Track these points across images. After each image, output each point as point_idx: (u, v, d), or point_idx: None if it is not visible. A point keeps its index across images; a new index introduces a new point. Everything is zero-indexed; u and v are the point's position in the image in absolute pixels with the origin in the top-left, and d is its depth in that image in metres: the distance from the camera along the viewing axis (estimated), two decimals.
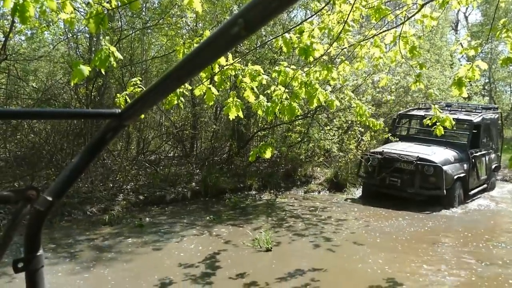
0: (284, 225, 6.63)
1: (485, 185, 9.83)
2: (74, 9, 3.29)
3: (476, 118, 9.21)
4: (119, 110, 0.71)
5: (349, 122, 9.85)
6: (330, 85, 7.52)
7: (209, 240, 5.72)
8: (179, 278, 4.42)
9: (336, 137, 9.54)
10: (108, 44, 2.45)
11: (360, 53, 4.60)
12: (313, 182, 9.72)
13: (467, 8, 29.40)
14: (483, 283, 4.56)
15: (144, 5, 9.78)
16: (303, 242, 5.83)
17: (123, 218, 6.72)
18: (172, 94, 3.41)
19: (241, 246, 5.47)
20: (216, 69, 3.30)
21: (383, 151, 8.71)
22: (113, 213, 6.82)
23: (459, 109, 10.01)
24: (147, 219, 6.78)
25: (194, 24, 9.99)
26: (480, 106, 11.25)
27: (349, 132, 10.06)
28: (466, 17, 30.67)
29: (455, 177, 8.21)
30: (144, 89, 3.54)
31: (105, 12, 2.34)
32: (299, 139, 9.82)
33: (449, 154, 8.55)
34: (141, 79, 3.63)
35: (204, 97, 3.52)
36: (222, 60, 3.23)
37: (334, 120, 9.64)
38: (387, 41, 4.48)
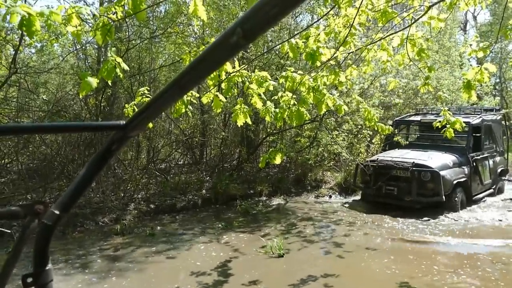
0: (295, 231, 6.59)
1: (491, 190, 9.42)
2: (83, 20, 3.34)
3: (474, 120, 8.85)
4: (124, 122, 0.71)
5: (358, 126, 9.79)
6: (337, 90, 7.53)
7: (220, 247, 5.71)
8: (193, 286, 4.41)
9: (346, 141, 9.50)
10: (114, 55, 2.47)
11: (367, 56, 4.58)
12: (323, 187, 9.67)
13: (475, 8, 29.17)
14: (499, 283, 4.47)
15: (151, 14, 9.90)
16: (314, 247, 5.79)
17: (134, 228, 6.75)
18: (179, 103, 3.43)
19: (253, 252, 5.44)
20: (223, 76, 3.31)
21: (377, 159, 8.46)
22: (125, 223, 6.86)
23: (458, 112, 9.62)
24: (159, 227, 6.80)
25: (201, 32, 10.07)
26: (481, 107, 10.88)
27: (359, 136, 10.01)
28: (474, 17, 30.41)
29: (455, 182, 7.86)
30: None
31: (112, 23, 2.37)
32: (308, 143, 9.79)
33: (447, 158, 8.22)
34: (149, 88, 3.65)
35: (212, 104, 3.54)
36: (228, 67, 3.24)
37: (343, 125, 9.60)
38: (394, 44, 4.45)
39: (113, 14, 2.44)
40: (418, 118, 9.48)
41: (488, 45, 4.42)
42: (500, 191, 10.00)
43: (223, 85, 3.42)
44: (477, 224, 7.15)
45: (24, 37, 7.67)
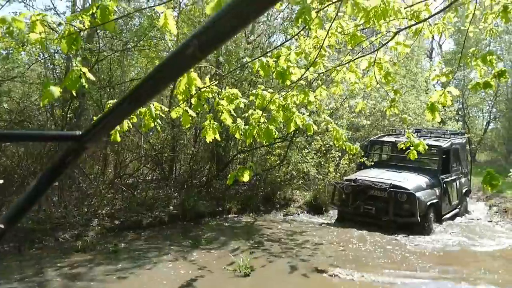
0: (262, 249, 6.54)
1: (457, 210, 9.87)
2: (52, 29, 3.25)
3: (445, 144, 9.27)
4: (80, 132, 0.68)
5: (327, 145, 9.93)
6: (307, 109, 7.64)
7: (186, 266, 5.57)
8: None
9: (315, 160, 9.60)
10: (79, 65, 2.40)
11: (336, 78, 4.68)
12: (292, 205, 9.69)
13: (440, 37, 30.60)
14: None
15: (125, 27, 9.80)
16: (281, 265, 5.75)
17: (97, 244, 6.50)
18: (148, 117, 3.36)
19: (219, 271, 5.35)
20: (193, 91, 3.28)
21: (356, 178, 8.62)
22: (87, 239, 6.59)
23: (428, 135, 10.09)
24: (122, 245, 6.58)
25: (175, 46, 10.04)
26: (449, 131, 11.37)
27: (328, 156, 10.14)
28: (440, 45, 31.86)
29: (428, 203, 8.18)
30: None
31: (78, 32, 2.31)
32: (278, 162, 9.83)
33: (421, 180, 8.55)
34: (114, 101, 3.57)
35: (181, 119, 3.49)
36: (198, 82, 3.22)
37: (313, 143, 9.72)
38: (362, 66, 4.57)
39: (80, 23, 2.38)
40: (391, 139, 9.76)
41: (450, 71, 4.61)
42: (465, 209, 10.50)
43: (193, 101, 3.39)
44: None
45: None
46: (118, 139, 3.41)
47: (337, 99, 9.92)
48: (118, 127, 3.37)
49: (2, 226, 0.64)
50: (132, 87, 0.62)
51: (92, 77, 2.52)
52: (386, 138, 10.12)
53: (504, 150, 25.08)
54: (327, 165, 10.22)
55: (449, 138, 9.90)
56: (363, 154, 9.60)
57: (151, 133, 11.12)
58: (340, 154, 9.89)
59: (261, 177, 9.98)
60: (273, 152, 10.04)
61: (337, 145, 5.38)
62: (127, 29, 9.93)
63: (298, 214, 9.34)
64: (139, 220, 7.78)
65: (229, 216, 8.82)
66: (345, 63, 4.49)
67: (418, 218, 7.83)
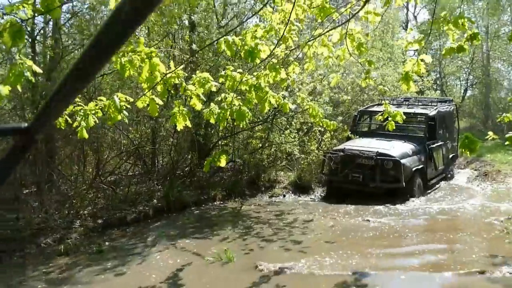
0: (251, 233, 6.49)
1: (443, 175, 10.18)
2: None
3: (431, 112, 9.55)
4: (26, 125, 0.62)
5: (309, 124, 9.87)
6: (287, 90, 7.52)
7: (173, 257, 5.47)
8: None
9: (297, 139, 9.54)
10: (23, 58, 2.22)
11: (308, 53, 4.56)
12: (277, 187, 9.65)
13: (415, 8, 30.63)
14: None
15: (92, 22, 9.44)
16: (271, 247, 5.70)
17: (80, 246, 6.32)
18: (112, 109, 3.20)
19: (206, 259, 5.26)
20: (158, 78, 3.13)
21: (344, 148, 8.87)
22: (70, 242, 6.42)
23: (416, 103, 10.39)
24: (107, 243, 6.43)
25: (146, 36, 9.75)
26: (437, 99, 11.65)
27: (310, 134, 10.09)
28: (415, 17, 31.91)
29: (414, 169, 8.47)
30: (84, 106, 3.31)
31: (21, 23, 2.12)
32: (260, 145, 9.74)
33: (407, 147, 8.78)
34: (79, 97, 3.39)
35: (148, 109, 3.34)
36: (162, 68, 3.07)
37: (293, 122, 9.65)
38: (334, 39, 4.47)
39: (23, 13, 2.20)
40: (380, 108, 9.81)
41: (423, 37, 4.54)
42: (451, 175, 10.91)
43: (158, 88, 3.23)
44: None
45: None
46: (86, 135, 3.25)
47: (316, 77, 9.82)
48: (83, 123, 3.22)
49: None
50: (72, 64, 0.54)
51: (38, 70, 2.34)
52: (375, 108, 10.26)
53: (482, 115, 25.50)
54: (309, 143, 10.16)
55: (436, 105, 10.14)
56: (346, 128, 9.74)
57: (130, 128, 10.88)
58: (322, 130, 9.85)
59: (244, 161, 9.88)
60: (255, 135, 9.93)
61: (314, 122, 5.31)
62: (94, 24, 9.57)
63: (284, 195, 9.31)
64: (123, 217, 7.62)
65: (215, 203, 8.73)
66: (316, 37, 4.37)
67: (403, 183, 8.09)
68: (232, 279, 4.63)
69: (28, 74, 2.19)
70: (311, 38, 4.46)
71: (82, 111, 3.20)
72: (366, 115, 10.65)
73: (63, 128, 3.40)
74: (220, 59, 9.06)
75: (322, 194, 9.42)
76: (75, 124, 3.20)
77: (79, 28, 8.87)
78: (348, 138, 9.85)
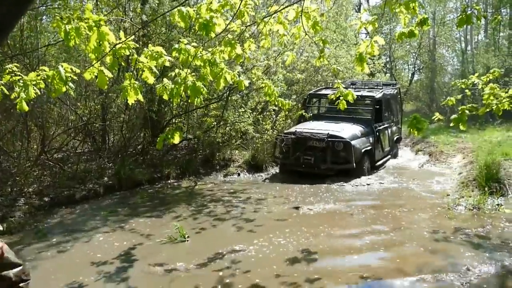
0: (204, 211, 6.48)
1: (389, 156, 10.61)
2: None
3: (377, 94, 9.84)
4: None
5: (263, 103, 9.91)
6: (240, 66, 7.45)
7: (123, 236, 5.37)
8: (92, 278, 4.08)
9: (251, 118, 9.56)
10: None
11: (264, 30, 4.53)
12: (232, 166, 9.67)
13: None
14: (395, 242, 4.88)
15: None
16: (224, 226, 5.75)
17: (25, 224, 6.05)
18: (57, 81, 3.03)
19: (158, 237, 5.21)
20: (107, 49, 2.99)
21: (296, 131, 8.94)
22: (13, 220, 6.13)
23: (363, 87, 10.70)
24: (54, 221, 6.20)
25: (94, 7, 9.23)
26: (382, 83, 12.06)
27: (264, 113, 10.14)
28: (367, 0, 32.54)
29: (363, 150, 8.74)
30: (24, 77, 3.11)
31: None
32: (215, 123, 9.67)
33: (356, 129, 9.02)
34: (18, 66, 3.17)
35: (97, 81, 3.19)
36: (111, 38, 2.93)
37: (249, 102, 9.63)
38: (290, 17, 4.46)
39: None
40: (329, 91, 9.97)
41: (376, 19, 4.64)
42: (395, 155, 11.32)
43: (107, 59, 3.09)
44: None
45: None
46: (25, 108, 3.06)
47: (271, 54, 9.81)
48: (23, 95, 3.03)
49: None
50: None
51: None
52: (323, 91, 10.45)
53: (428, 99, 26.82)
54: (264, 123, 10.23)
55: (382, 89, 10.44)
56: (300, 108, 9.85)
57: (79, 104, 10.38)
58: (276, 109, 9.93)
59: (199, 139, 9.79)
60: (209, 113, 9.84)
61: (269, 101, 5.33)
62: None
63: (239, 174, 9.36)
64: (71, 195, 7.35)
65: (168, 181, 8.62)
66: (272, 14, 4.35)
67: (354, 164, 8.37)
68: (189, 255, 4.62)
69: None
70: (267, 15, 4.43)
71: (21, 81, 3.00)
72: (315, 98, 10.81)
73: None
74: (173, 33, 8.81)
75: (275, 172, 9.55)
76: (13, 95, 3.00)
77: None
78: (300, 120, 10.00)
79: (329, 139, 8.46)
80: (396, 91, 11.69)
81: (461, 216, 5.93)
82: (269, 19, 4.49)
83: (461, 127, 4.07)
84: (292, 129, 9.24)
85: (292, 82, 11.51)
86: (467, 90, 5.61)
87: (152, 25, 8.82)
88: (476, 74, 5.40)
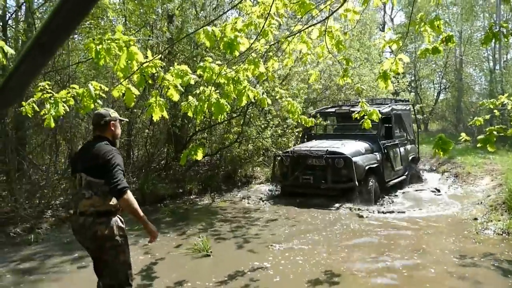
0: (225, 228, 6.49)
1: (403, 177, 9.76)
2: None
3: (384, 109, 9.11)
4: None
5: (279, 119, 9.91)
6: (261, 86, 7.53)
7: (145, 250, 5.42)
8: None
9: (273, 134, 9.56)
10: None
11: (287, 49, 4.58)
12: (253, 182, 9.67)
13: (392, 10, 31.21)
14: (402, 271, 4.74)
15: None
16: (242, 243, 5.72)
17: (51, 236, 6.20)
18: (86, 98, 3.14)
19: (179, 253, 5.24)
20: (134, 68, 3.09)
21: (293, 149, 8.58)
22: (40, 232, 6.29)
23: (370, 103, 9.76)
24: None
25: (123, 27, 9.57)
26: (392, 99, 11.34)
27: (286, 130, 10.15)
28: (392, 19, 32.58)
29: (367, 167, 8.04)
30: (55, 94, 3.23)
31: None
32: (236, 139, 9.73)
33: (359, 145, 8.45)
34: (49, 83, 3.30)
35: (124, 98, 3.29)
36: (140, 57, 3.02)
37: (268, 118, 9.66)
38: (313, 36, 4.50)
39: None
40: (334, 109, 9.83)
41: (400, 37, 4.63)
42: (414, 177, 10.44)
43: (135, 77, 3.19)
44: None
45: None
46: (52, 124, 3.18)
47: (292, 74, 9.87)
48: (53, 112, 3.14)
49: None
50: (37, 31, 0.48)
51: (11, 51, 2.28)
52: (329, 109, 10.10)
53: (454, 119, 26.29)
54: (285, 139, 10.23)
55: (390, 104, 9.88)
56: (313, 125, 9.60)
57: None
58: (296, 124, 9.89)
59: (221, 156, 9.87)
60: (231, 129, 9.92)
61: (292, 118, 5.35)
62: None
63: (260, 191, 9.33)
64: None
65: (190, 197, 8.68)
66: (296, 33, 4.41)
67: (356, 182, 7.66)
68: (209, 272, 4.61)
69: (0, 56, 2.13)
70: (291, 34, 4.49)
71: (52, 98, 3.12)
72: (322, 116, 10.18)
73: (30, 115, 3.30)
74: (197, 51, 9.01)
75: (275, 193, 9.11)
76: (42, 112, 3.11)
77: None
78: (302, 139, 9.66)
79: (328, 155, 7.91)
80: (408, 107, 10.98)
81: (489, 240, 5.71)
82: (293, 38, 4.55)
83: (489, 149, 3.96)
84: (291, 148, 8.89)
85: (315, 100, 11.53)
86: (495, 111, 5.47)
87: (177, 43, 9.07)
88: (506, 95, 5.25)
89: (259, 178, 9.89)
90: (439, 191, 9.27)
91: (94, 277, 4.30)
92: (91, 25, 8.61)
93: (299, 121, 5.17)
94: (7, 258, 5.26)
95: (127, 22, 9.36)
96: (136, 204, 2.85)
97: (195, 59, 8.49)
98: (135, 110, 9.11)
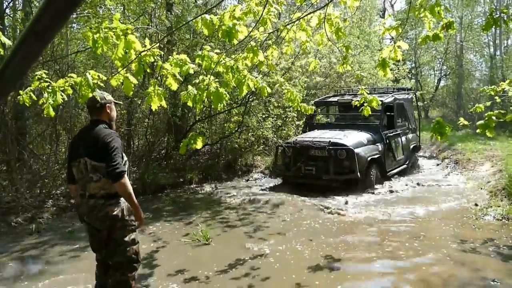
0: (223, 217, 6.52)
1: (404, 166, 9.79)
2: None
3: (387, 99, 9.09)
4: None
5: (285, 108, 9.90)
6: (260, 72, 7.49)
7: (146, 239, 5.45)
8: None
9: (273, 123, 9.56)
10: None
11: (287, 37, 4.54)
12: (254, 171, 9.70)
13: None
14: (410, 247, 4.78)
15: None
16: (242, 232, 5.75)
17: (53, 226, 6.25)
18: (84, 87, 3.12)
19: (179, 242, 5.28)
20: (132, 56, 3.06)
21: (296, 140, 8.54)
22: (41, 221, 6.33)
23: (373, 92, 9.91)
24: (78, 224, 6.34)
25: (121, 15, 9.50)
26: (394, 88, 11.25)
27: (286, 119, 10.13)
28: (392, 5, 32.26)
29: (369, 158, 8.08)
30: (52, 83, 3.21)
31: None
32: (236, 128, 9.73)
33: (362, 136, 8.44)
34: (47, 72, 3.28)
35: (122, 87, 3.28)
36: (138, 46, 3.00)
37: (269, 108, 9.64)
38: (312, 24, 4.47)
39: None
40: (336, 98, 9.73)
41: (399, 24, 4.59)
42: (414, 166, 10.48)
43: (133, 66, 3.17)
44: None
45: None
46: (52, 113, 3.16)
47: (288, 59, 9.77)
48: (51, 100, 3.13)
49: None
50: (31, 19, 0.48)
51: (7, 41, 2.26)
52: (331, 99, 10.01)
53: (454, 105, 26.20)
54: (286, 128, 10.22)
55: (392, 93, 9.80)
56: (307, 117, 9.49)
57: None
58: (296, 115, 9.89)
59: (221, 145, 9.88)
60: (231, 119, 9.91)
61: (292, 106, 5.34)
62: None
63: (260, 180, 9.36)
64: None
65: (191, 186, 8.72)
66: (295, 21, 4.36)
67: (358, 174, 7.74)
68: (209, 260, 4.65)
69: None
70: (290, 22, 4.45)
71: (50, 87, 3.10)
72: (322, 106, 10.25)
73: (27, 104, 3.29)
74: (196, 39, 8.94)
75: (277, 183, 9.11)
76: (41, 101, 3.11)
77: None
78: (304, 129, 9.58)
79: (330, 147, 7.91)
80: (410, 96, 10.90)
81: (489, 226, 5.75)
82: (292, 26, 4.51)
83: (488, 134, 3.95)
84: (293, 139, 8.82)
85: (311, 87, 11.47)
86: (496, 97, 5.45)
87: (176, 32, 9.00)
88: (507, 81, 5.21)
89: (259, 167, 9.91)
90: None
91: (94, 266, 4.32)
92: (89, 14, 8.56)
93: (299, 109, 5.15)
94: (9, 247, 5.31)
95: (125, 10, 9.28)
96: (131, 189, 2.91)
97: (194, 48, 8.43)
98: (135, 99, 9.08)
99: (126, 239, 3.02)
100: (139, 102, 9.41)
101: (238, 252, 4.83)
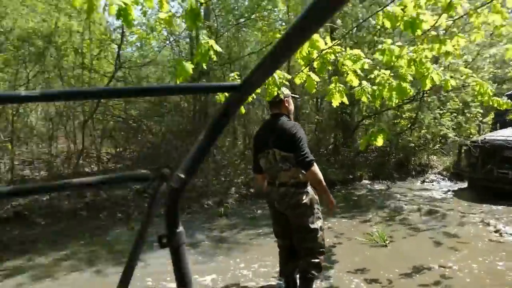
0: (398, 217, 6.24)
1: None
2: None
3: None
4: (239, 83, 0.70)
5: (463, 103, 8.87)
6: (437, 64, 6.86)
7: (325, 233, 5.59)
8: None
9: (452, 120, 8.67)
10: (206, 38, 2.54)
11: (476, 22, 4.06)
12: (430, 172, 8.99)
13: None
14: None
15: (236, 5, 10.16)
16: (422, 236, 5.37)
17: (237, 211, 7.03)
18: (272, 86, 3.41)
19: (355, 240, 5.25)
20: (314, 55, 3.21)
21: (485, 139, 7.47)
22: (228, 206, 7.19)
23: None
24: (259, 211, 6.97)
25: (286, 17, 10.02)
26: None
27: (467, 115, 9.07)
28: None
29: None
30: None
31: (198, 6, 2.42)
32: (409, 125, 9.17)
33: None
34: (239, 74, 3.69)
35: (305, 85, 3.46)
36: (321, 44, 3.12)
37: (448, 103, 8.75)
38: (509, 4, 3.89)
39: None
40: None
41: None
42: None
43: (315, 64, 3.31)
44: None
45: (125, 34, 8.46)
46: (243, 111, 3.54)
47: (472, 48, 8.68)
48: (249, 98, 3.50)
49: (183, 176, 0.69)
50: (274, 43, 0.60)
51: (219, 49, 2.64)
52: None
53: None
54: (467, 126, 9.17)
55: None
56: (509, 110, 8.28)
57: None
58: (482, 111, 8.74)
59: (391, 142, 9.47)
60: (403, 115, 9.39)
61: (482, 102, 4.75)
62: (238, 6, 10.26)
63: (438, 182, 8.60)
64: None
65: (361, 183, 8.61)
66: (488, 3, 3.87)
67: None
68: (388, 263, 4.52)
69: (211, 52, 2.51)
70: (482, 5, 3.97)
71: None
72: None
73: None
74: (364, 34, 8.72)
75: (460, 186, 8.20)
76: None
77: (227, 10, 9.58)
78: (495, 126, 8.40)
79: None
80: None
81: None
82: (484, 9, 4.02)
83: None
84: (480, 137, 7.74)
85: (503, 80, 9.97)
86: None
87: (342, 28, 8.96)
88: None
89: (436, 167, 9.13)
90: None
91: (275, 252, 4.63)
92: (256, 18, 9.33)
93: (490, 103, 4.55)
94: (204, 226, 6.18)
95: (292, 14, 9.73)
96: (321, 176, 3.03)
97: (363, 45, 8.27)
98: (305, 97, 9.47)
99: (315, 226, 3.16)
100: (307, 99, 9.75)
101: (421, 257, 4.54)
